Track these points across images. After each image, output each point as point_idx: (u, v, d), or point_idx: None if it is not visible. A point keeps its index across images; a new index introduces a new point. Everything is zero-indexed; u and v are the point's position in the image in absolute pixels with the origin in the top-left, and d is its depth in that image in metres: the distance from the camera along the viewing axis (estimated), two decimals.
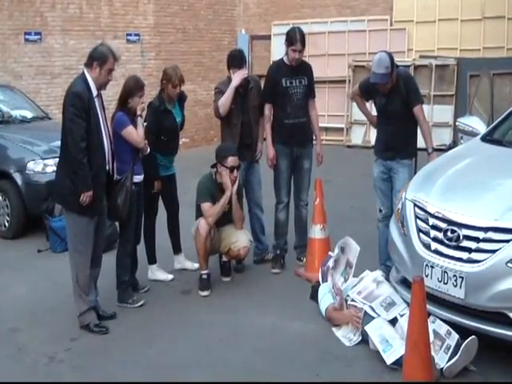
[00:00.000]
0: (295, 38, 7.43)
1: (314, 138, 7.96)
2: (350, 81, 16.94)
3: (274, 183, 7.87)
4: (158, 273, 7.56)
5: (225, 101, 7.54)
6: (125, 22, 16.17)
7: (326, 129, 17.21)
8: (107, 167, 6.27)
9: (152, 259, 7.60)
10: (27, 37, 14.09)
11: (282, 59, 7.76)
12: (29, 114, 11.04)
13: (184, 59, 17.35)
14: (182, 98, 7.57)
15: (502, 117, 7.14)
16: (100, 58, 6.07)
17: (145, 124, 6.78)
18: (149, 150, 6.85)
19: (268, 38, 18.75)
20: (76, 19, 15.06)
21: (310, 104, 7.86)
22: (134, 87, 6.69)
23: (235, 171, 7.11)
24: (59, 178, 6.25)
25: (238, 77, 7.54)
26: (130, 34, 16.30)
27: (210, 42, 18.20)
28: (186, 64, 17.38)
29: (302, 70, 7.69)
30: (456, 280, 5.22)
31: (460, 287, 5.20)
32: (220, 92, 7.66)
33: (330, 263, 6.63)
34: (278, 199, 7.89)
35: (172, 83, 7.24)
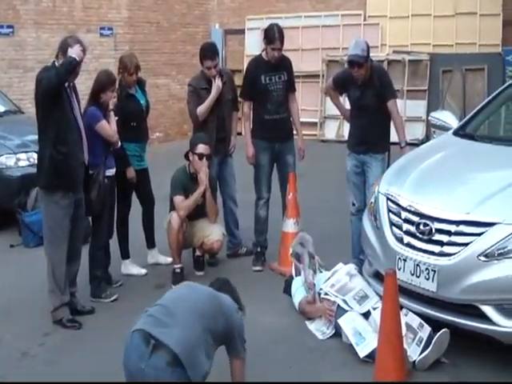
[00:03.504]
0: (274, 37, 7.41)
1: (295, 132, 7.95)
2: (323, 75, 16.93)
3: (254, 179, 7.81)
4: (131, 267, 7.55)
5: (204, 110, 7.55)
6: (98, 15, 16.04)
7: (300, 123, 17.13)
8: (83, 158, 6.24)
9: (125, 254, 7.59)
10: None
11: (260, 55, 7.72)
12: (1, 108, 10.89)
13: (158, 53, 17.34)
14: (141, 83, 7.58)
15: (474, 111, 7.20)
16: (65, 48, 6.00)
17: (116, 118, 6.76)
18: (120, 143, 6.84)
19: (242, 32, 18.65)
20: (49, 12, 14.91)
21: (291, 98, 7.83)
22: (106, 82, 6.68)
23: (204, 159, 7.09)
24: (41, 161, 6.15)
25: (216, 89, 7.54)
26: (104, 28, 16.16)
27: (184, 36, 18.12)
28: (159, 58, 17.41)
29: (281, 65, 7.63)
30: (428, 273, 5.26)
31: (432, 280, 5.23)
32: (194, 91, 7.67)
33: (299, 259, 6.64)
34: (258, 195, 7.83)
35: (128, 71, 7.26)
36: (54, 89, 5.86)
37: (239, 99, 7.86)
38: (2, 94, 11.48)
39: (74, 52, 5.87)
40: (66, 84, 6.07)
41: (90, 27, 15.76)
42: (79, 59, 5.90)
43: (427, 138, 13.76)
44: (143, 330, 4.10)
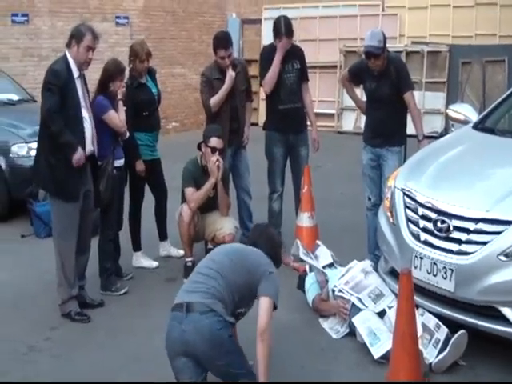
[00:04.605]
0: (281, 31, 7.36)
1: (309, 123, 7.81)
2: (341, 66, 16.73)
3: (267, 172, 7.73)
4: (142, 260, 7.44)
5: (218, 101, 7.42)
6: (114, 4, 15.94)
7: (317, 114, 16.77)
8: (91, 149, 6.13)
9: (137, 246, 7.48)
10: (14, 18, 13.85)
11: (272, 43, 7.60)
12: (14, 97, 10.82)
13: (173, 43, 17.26)
14: (151, 72, 7.48)
15: (494, 104, 6.98)
16: (77, 36, 5.97)
17: (125, 108, 6.63)
18: (128, 134, 6.71)
19: (259, 22, 18.48)
20: (64, 1, 14.81)
21: (304, 88, 7.73)
22: (114, 71, 6.56)
23: (217, 153, 6.96)
24: (38, 163, 6.13)
25: (229, 79, 7.41)
26: (119, 17, 16.06)
27: (200, 26, 17.98)
28: (175, 47, 17.31)
29: (293, 53, 7.56)
30: (446, 272, 5.10)
31: (450, 280, 5.08)
32: (207, 81, 7.53)
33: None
34: (272, 188, 7.74)
35: (139, 58, 7.15)
36: (46, 120, 5.87)
37: (260, 87, 7.69)
38: (15, 83, 11.40)
39: (75, 159, 5.84)
40: (77, 74, 6.00)
41: (105, 16, 15.68)
42: (76, 164, 5.86)
43: (446, 131, 13.61)
44: (176, 304, 4.53)
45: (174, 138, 15.21)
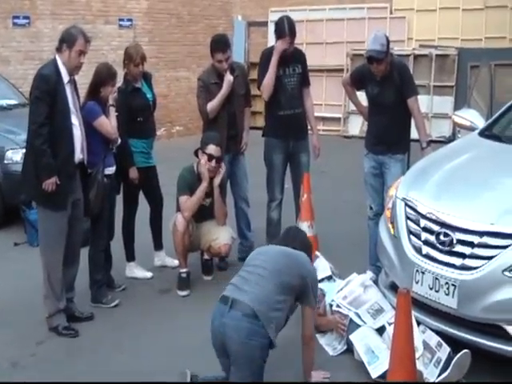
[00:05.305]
0: (284, 32, 7.11)
1: (309, 128, 7.58)
2: (348, 70, 16.45)
3: (266, 179, 7.49)
4: (136, 270, 7.21)
5: (215, 106, 7.21)
6: (117, 6, 15.74)
7: (323, 118, 16.78)
8: (81, 157, 5.91)
9: (130, 256, 7.25)
10: (15, 21, 13.68)
11: (272, 47, 7.36)
12: (10, 102, 10.60)
13: (178, 45, 17.07)
14: (147, 77, 7.26)
15: (501, 111, 6.72)
16: (69, 40, 5.79)
17: (116, 114, 6.41)
18: (120, 141, 6.49)
19: (265, 24, 18.20)
20: (66, 3, 14.61)
21: (305, 92, 7.48)
22: (106, 75, 6.35)
23: (213, 161, 6.72)
24: (25, 170, 5.92)
25: (227, 83, 7.19)
26: (123, 19, 15.86)
27: (205, 29, 17.71)
28: (180, 50, 17.14)
29: (295, 57, 7.31)
30: (448, 288, 4.86)
31: (452, 296, 4.84)
32: (204, 86, 7.30)
33: None
34: (270, 197, 7.50)
35: (134, 62, 6.94)
36: (32, 130, 5.73)
37: (258, 91, 7.45)
38: (12, 87, 11.21)
39: (46, 183, 5.62)
40: (67, 79, 5.80)
41: (108, 18, 15.48)
42: (44, 187, 5.62)
43: (454, 136, 13.40)
44: (223, 296, 4.70)
45: (178, 142, 15.05)
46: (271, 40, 17.51)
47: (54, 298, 5.91)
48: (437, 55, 15.82)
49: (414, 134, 6.78)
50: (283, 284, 4.68)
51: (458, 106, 14.55)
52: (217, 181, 6.80)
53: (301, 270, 4.80)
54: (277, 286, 4.65)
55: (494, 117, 6.79)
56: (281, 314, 4.70)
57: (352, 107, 15.99)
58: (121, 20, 15.79)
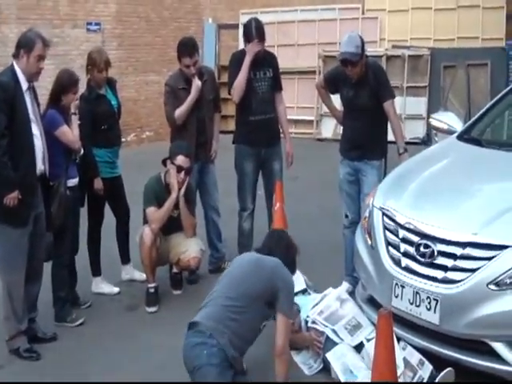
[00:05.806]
0: (251, 35, 6.92)
1: (282, 135, 7.33)
2: (320, 72, 16.28)
3: (237, 188, 7.24)
4: (102, 285, 6.90)
5: (183, 112, 6.94)
6: (85, 10, 15.37)
7: (296, 121, 16.57)
8: (42, 168, 5.60)
9: (96, 270, 6.93)
10: None
11: (243, 49, 7.13)
12: None
13: (148, 49, 16.72)
14: (111, 83, 6.97)
15: (480, 113, 6.51)
16: (27, 45, 5.48)
17: (79, 123, 6.11)
18: (83, 150, 6.20)
19: (236, 27, 17.98)
20: (33, 7, 14.22)
21: (277, 97, 7.23)
22: (67, 83, 6.04)
23: (183, 173, 6.45)
24: None
25: (195, 89, 6.92)
26: (91, 23, 15.47)
27: (175, 32, 17.37)
28: (149, 54, 16.82)
29: (265, 60, 7.07)
30: (430, 302, 4.62)
31: (434, 311, 4.60)
32: (171, 91, 7.04)
33: None
34: (242, 206, 7.24)
35: (97, 68, 6.65)
36: None
37: (229, 96, 7.17)
38: None
39: (8, 197, 5.29)
40: (26, 87, 5.49)
41: (76, 22, 15.09)
42: (5, 202, 5.30)
43: (428, 137, 13.27)
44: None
45: (147, 148, 14.74)
46: (242, 43, 17.34)
47: (15, 319, 5.58)
48: (409, 56, 15.74)
49: (390, 136, 6.56)
50: (246, 292, 4.62)
51: (431, 106, 14.61)
52: (181, 191, 6.53)
53: (270, 276, 4.69)
54: (238, 294, 4.61)
55: (472, 120, 6.58)
56: (241, 322, 4.60)
57: (325, 109, 15.81)
58: (89, 24, 15.41)
